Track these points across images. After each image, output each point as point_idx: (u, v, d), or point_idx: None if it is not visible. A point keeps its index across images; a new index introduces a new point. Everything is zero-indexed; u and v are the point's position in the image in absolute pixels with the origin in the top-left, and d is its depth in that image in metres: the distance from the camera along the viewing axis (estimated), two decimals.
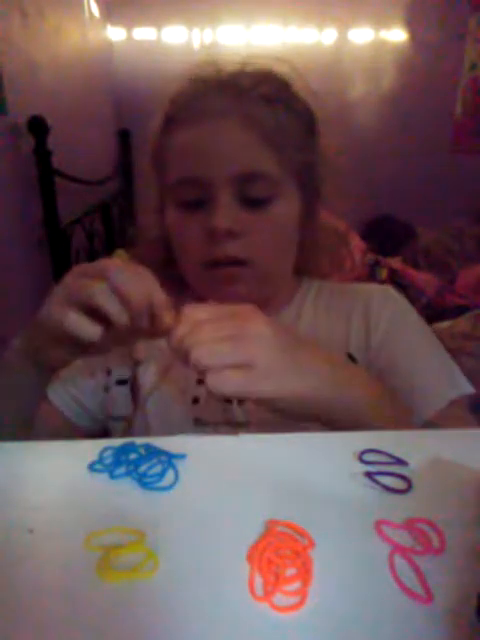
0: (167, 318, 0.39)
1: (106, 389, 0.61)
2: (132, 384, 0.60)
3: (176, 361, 0.39)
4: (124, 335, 0.42)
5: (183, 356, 0.37)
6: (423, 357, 0.58)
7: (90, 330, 0.39)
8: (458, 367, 0.58)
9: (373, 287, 0.66)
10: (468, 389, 0.56)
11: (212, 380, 0.37)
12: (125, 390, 0.60)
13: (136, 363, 0.60)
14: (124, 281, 0.39)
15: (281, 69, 0.55)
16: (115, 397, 0.60)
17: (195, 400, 0.58)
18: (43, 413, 0.61)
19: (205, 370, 0.37)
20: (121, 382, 0.60)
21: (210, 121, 0.51)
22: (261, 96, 0.52)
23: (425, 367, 0.57)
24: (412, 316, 0.62)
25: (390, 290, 0.65)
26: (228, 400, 0.57)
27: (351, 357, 0.59)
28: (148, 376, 0.59)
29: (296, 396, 0.40)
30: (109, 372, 0.61)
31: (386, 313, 0.60)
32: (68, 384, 0.61)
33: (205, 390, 0.57)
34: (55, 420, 0.59)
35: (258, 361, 0.38)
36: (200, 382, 0.58)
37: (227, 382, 0.37)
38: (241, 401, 0.57)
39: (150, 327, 0.40)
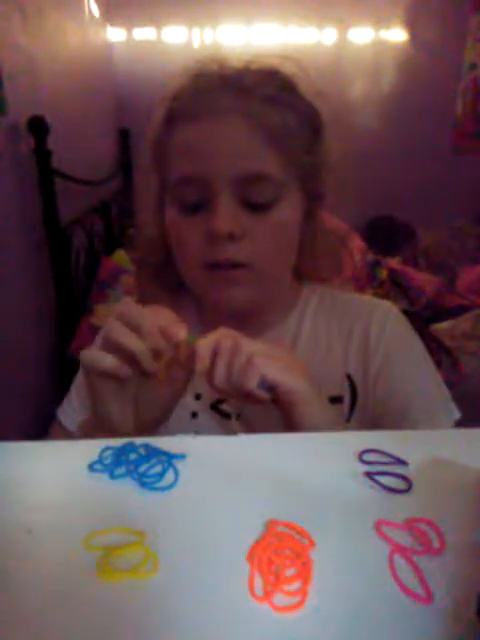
0: (181, 332, 0.44)
1: None
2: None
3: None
4: (163, 365, 0.45)
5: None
6: (419, 387, 0.58)
7: (105, 359, 0.43)
8: (448, 391, 0.60)
9: (374, 304, 0.64)
10: (456, 415, 0.58)
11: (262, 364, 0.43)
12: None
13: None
14: (132, 312, 0.43)
15: (288, 68, 0.54)
16: None
17: (193, 415, 0.58)
18: (54, 435, 0.63)
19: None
20: None
21: (213, 119, 0.50)
22: (266, 95, 0.50)
23: (420, 397, 0.57)
24: (411, 340, 0.62)
25: (391, 308, 0.64)
26: (226, 415, 0.57)
27: (349, 378, 0.58)
28: None
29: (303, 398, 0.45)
30: None
31: (386, 338, 0.59)
32: (78, 407, 0.61)
33: (202, 405, 0.57)
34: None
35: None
36: (198, 397, 0.58)
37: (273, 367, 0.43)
38: (240, 416, 0.57)
39: (172, 349, 0.44)
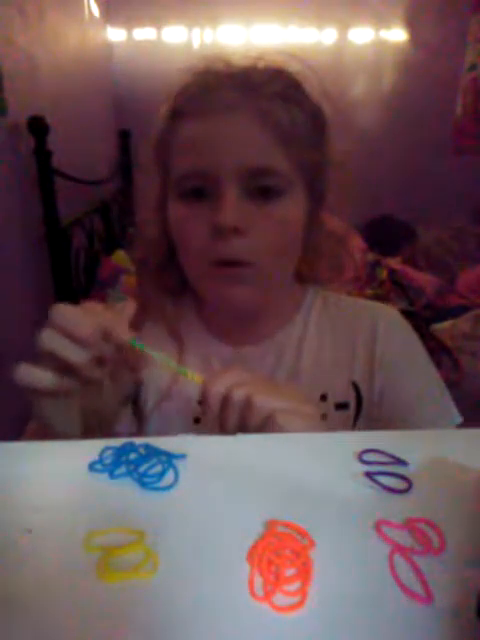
0: (122, 335, 0.41)
1: None
2: (134, 404, 0.60)
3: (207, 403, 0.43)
4: (109, 370, 0.43)
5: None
6: (423, 395, 0.59)
7: (43, 379, 0.40)
8: (449, 396, 0.61)
9: (379, 310, 0.64)
10: (457, 420, 0.59)
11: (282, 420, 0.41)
12: (127, 410, 0.60)
13: (137, 384, 0.60)
14: (67, 319, 0.40)
15: (293, 67, 0.54)
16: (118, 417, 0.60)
17: (196, 420, 0.58)
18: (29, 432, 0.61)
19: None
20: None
21: (221, 115, 0.50)
22: (274, 93, 0.50)
23: (423, 405, 0.58)
24: (416, 349, 0.62)
25: (396, 316, 0.64)
26: None
27: (355, 386, 0.58)
28: (149, 396, 0.59)
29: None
30: None
31: (392, 349, 0.59)
32: None
33: (205, 409, 0.57)
34: None
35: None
36: (200, 402, 0.58)
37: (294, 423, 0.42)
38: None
39: (118, 354, 0.42)
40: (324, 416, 0.57)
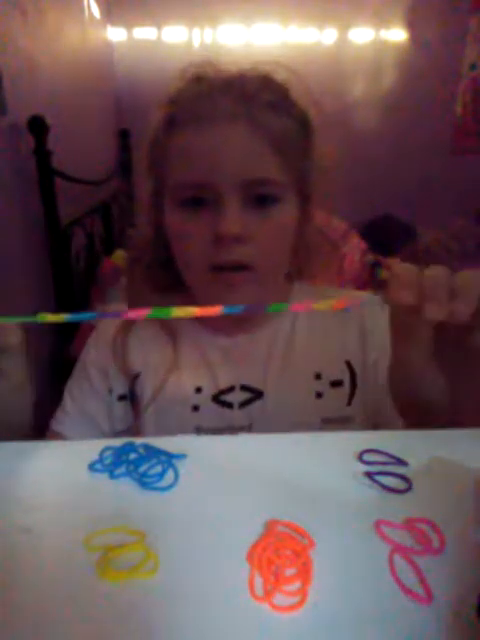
0: None
1: (109, 407, 0.61)
2: (132, 397, 0.60)
3: None
4: None
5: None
6: None
7: None
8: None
9: (365, 297, 0.66)
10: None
11: None
12: (126, 405, 0.60)
13: (134, 376, 0.60)
14: None
15: (281, 74, 0.55)
16: (117, 413, 0.60)
17: (195, 408, 0.58)
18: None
19: None
20: (121, 397, 0.61)
21: (218, 125, 0.51)
22: (267, 101, 0.52)
23: None
24: None
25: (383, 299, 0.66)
26: (228, 405, 0.58)
27: (349, 365, 0.60)
28: (146, 388, 0.59)
29: None
30: (111, 391, 0.61)
31: (381, 328, 0.60)
32: (73, 411, 0.61)
33: (204, 398, 0.57)
34: None
35: None
36: (199, 390, 0.58)
37: None
38: (242, 405, 0.58)
39: None
40: (320, 394, 0.59)
